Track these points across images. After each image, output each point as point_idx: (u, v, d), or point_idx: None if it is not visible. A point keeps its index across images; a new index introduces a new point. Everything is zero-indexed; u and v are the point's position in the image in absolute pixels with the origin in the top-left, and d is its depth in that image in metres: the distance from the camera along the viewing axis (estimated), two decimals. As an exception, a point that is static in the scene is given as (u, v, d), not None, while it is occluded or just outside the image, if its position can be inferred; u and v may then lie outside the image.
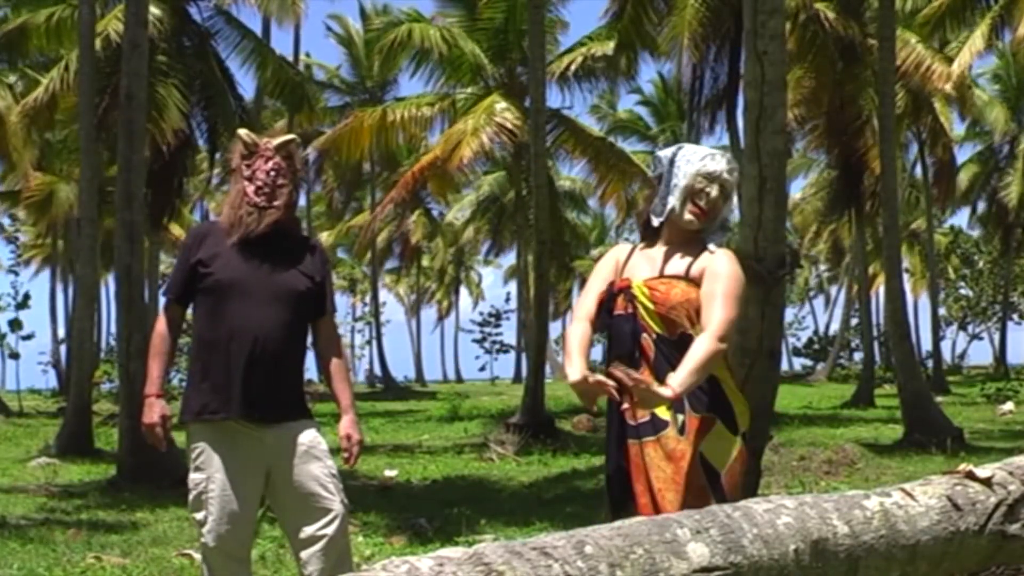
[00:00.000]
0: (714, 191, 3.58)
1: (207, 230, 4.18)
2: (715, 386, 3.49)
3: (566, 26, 25.36)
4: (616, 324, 3.58)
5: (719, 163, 3.61)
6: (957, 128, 33.54)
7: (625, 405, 3.51)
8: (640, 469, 3.48)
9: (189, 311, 4.19)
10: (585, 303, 3.72)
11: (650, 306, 3.52)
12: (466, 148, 21.01)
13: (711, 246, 3.59)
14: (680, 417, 3.45)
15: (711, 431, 3.45)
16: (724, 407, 3.49)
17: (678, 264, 3.57)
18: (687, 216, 3.58)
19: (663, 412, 3.45)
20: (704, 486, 3.38)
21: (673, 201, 3.59)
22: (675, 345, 3.49)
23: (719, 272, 3.51)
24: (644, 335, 3.51)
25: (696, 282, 3.52)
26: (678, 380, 3.32)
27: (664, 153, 3.73)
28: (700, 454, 3.42)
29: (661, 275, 3.56)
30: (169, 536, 8.05)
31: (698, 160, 3.60)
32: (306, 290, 4.05)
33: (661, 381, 3.40)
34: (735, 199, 3.69)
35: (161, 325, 4.10)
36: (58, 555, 7.15)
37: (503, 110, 21.35)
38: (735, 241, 8.11)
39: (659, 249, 3.64)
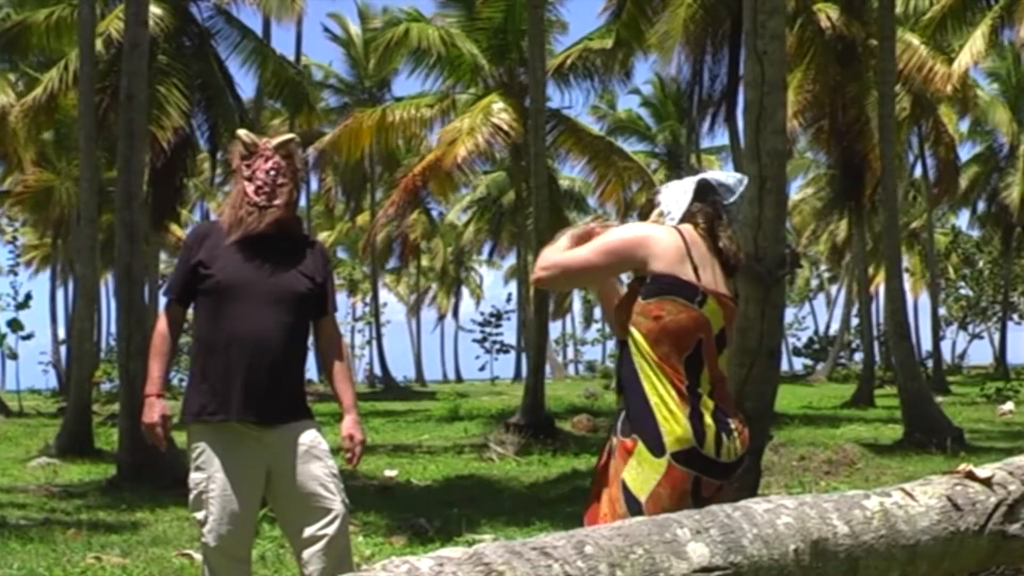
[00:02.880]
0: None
1: (208, 230, 4.18)
2: (640, 403, 3.24)
3: (565, 27, 25.21)
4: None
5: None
6: (960, 128, 33.46)
7: None
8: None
9: (190, 311, 4.19)
10: None
11: None
12: (460, 146, 21.01)
13: None
14: (615, 440, 3.29)
15: (632, 454, 3.22)
16: (647, 426, 3.21)
17: None
18: None
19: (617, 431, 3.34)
20: (625, 516, 3.11)
21: None
22: (621, 353, 3.38)
23: None
24: None
25: (630, 284, 3.38)
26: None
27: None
28: (622, 481, 3.22)
29: None
30: (169, 536, 8.06)
31: None
32: (307, 291, 4.05)
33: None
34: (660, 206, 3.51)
35: (162, 325, 4.10)
36: (58, 555, 7.15)
37: (500, 110, 21.33)
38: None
39: None
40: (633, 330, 3.28)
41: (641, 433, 3.23)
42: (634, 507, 3.15)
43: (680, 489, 3.17)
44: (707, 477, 3.21)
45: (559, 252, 3.37)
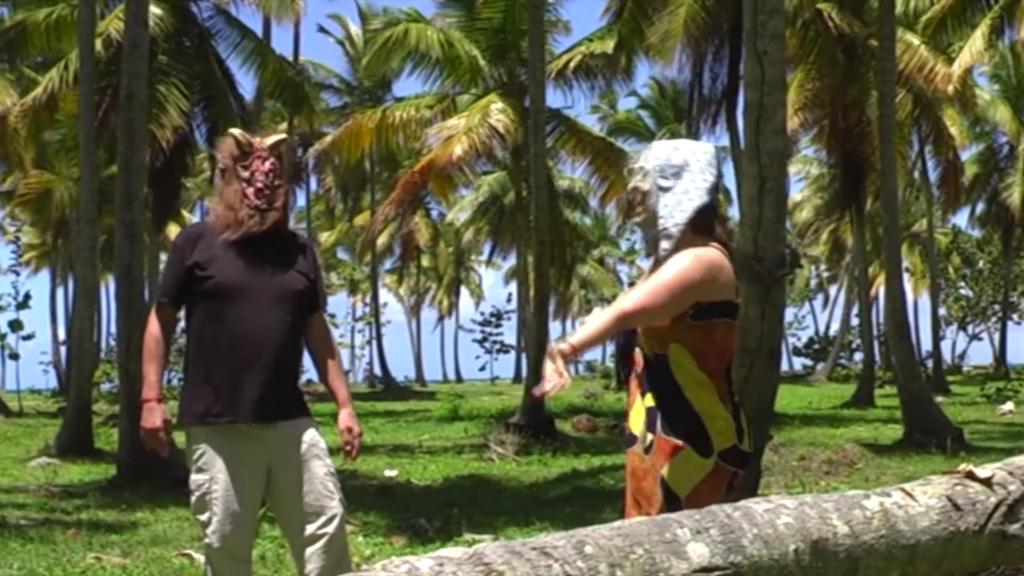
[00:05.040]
0: (631, 182, 3.48)
1: (199, 231, 4.15)
2: (683, 410, 3.35)
3: (568, 28, 25.19)
4: (621, 335, 3.54)
5: (638, 158, 3.52)
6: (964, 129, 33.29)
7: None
8: (627, 475, 3.48)
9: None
10: None
11: None
12: (456, 145, 21.00)
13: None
14: (649, 436, 3.35)
15: (676, 456, 3.31)
16: (694, 429, 3.33)
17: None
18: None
19: (637, 428, 3.40)
20: (662, 512, 3.20)
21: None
22: (651, 364, 3.40)
23: (666, 263, 3.37)
24: (636, 349, 3.44)
25: None
26: (574, 337, 3.28)
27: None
28: (662, 478, 3.32)
29: None
30: (169, 536, 8.06)
31: None
32: (304, 289, 4.07)
33: (643, 396, 3.39)
34: (660, 184, 3.40)
35: (154, 327, 4.05)
36: (58, 555, 7.15)
37: (499, 111, 21.32)
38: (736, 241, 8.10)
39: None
40: (677, 345, 3.36)
41: (687, 436, 3.32)
42: (673, 504, 3.25)
43: (720, 485, 3.32)
44: (742, 470, 3.38)
45: (641, 294, 3.35)
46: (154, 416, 3.97)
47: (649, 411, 3.38)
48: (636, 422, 3.41)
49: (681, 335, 3.34)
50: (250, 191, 4.00)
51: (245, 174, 4.02)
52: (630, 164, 3.53)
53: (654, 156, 3.47)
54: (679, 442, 3.32)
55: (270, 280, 4.00)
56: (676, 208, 3.40)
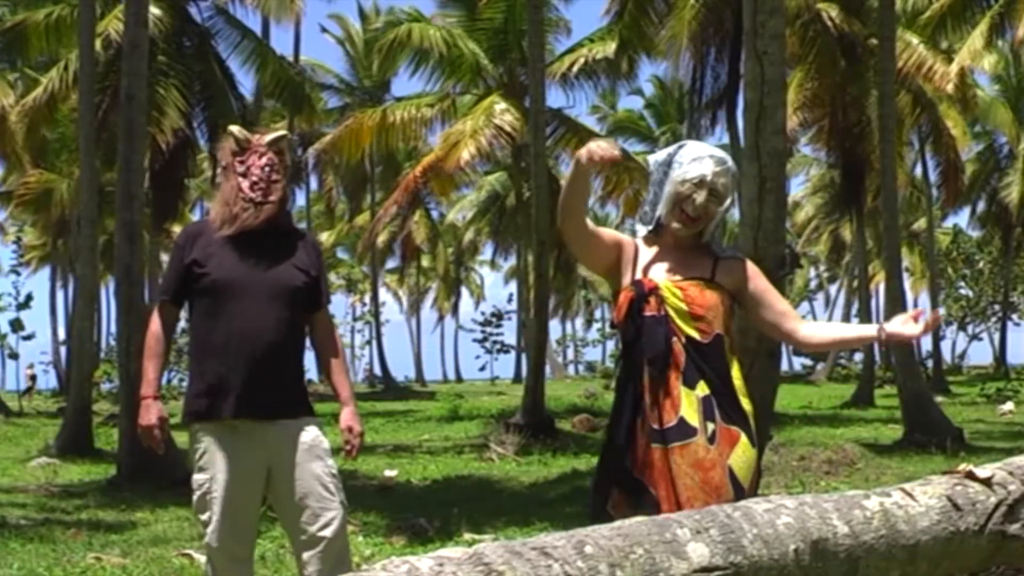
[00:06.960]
0: (701, 196, 3.45)
1: (199, 229, 4.14)
2: (734, 393, 3.42)
3: (569, 28, 25.21)
4: (648, 326, 3.44)
5: (704, 166, 3.46)
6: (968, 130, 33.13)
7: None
8: (665, 475, 3.38)
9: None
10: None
11: (683, 308, 3.42)
12: (464, 149, 21.02)
13: (724, 251, 3.59)
14: (711, 426, 3.35)
15: (737, 444, 3.37)
16: (748, 420, 3.41)
17: (699, 268, 3.49)
18: (674, 224, 3.48)
19: (692, 419, 3.36)
20: (732, 501, 3.24)
21: (660, 208, 3.51)
22: (707, 349, 3.41)
23: (759, 271, 3.62)
24: (675, 338, 3.42)
25: (720, 286, 3.48)
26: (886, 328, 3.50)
27: (656, 157, 3.60)
28: (729, 468, 3.34)
29: (686, 278, 3.48)
30: (169, 536, 8.06)
31: (687, 163, 3.48)
32: (303, 285, 4.05)
33: (691, 387, 3.37)
34: (728, 202, 3.52)
35: (155, 326, 4.06)
36: (58, 555, 7.16)
37: (503, 111, 21.33)
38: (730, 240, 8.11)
39: (666, 252, 3.53)
40: (725, 334, 3.50)
41: (743, 426, 3.42)
42: (740, 494, 3.29)
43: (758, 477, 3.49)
44: None
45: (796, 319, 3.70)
46: (149, 413, 3.97)
47: (704, 400, 3.39)
48: (690, 413, 3.38)
49: (728, 321, 3.51)
50: (245, 184, 3.99)
51: (241, 168, 4.02)
52: (715, 165, 3.50)
53: (733, 164, 3.61)
54: (735, 429, 3.39)
55: (265, 276, 3.98)
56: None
